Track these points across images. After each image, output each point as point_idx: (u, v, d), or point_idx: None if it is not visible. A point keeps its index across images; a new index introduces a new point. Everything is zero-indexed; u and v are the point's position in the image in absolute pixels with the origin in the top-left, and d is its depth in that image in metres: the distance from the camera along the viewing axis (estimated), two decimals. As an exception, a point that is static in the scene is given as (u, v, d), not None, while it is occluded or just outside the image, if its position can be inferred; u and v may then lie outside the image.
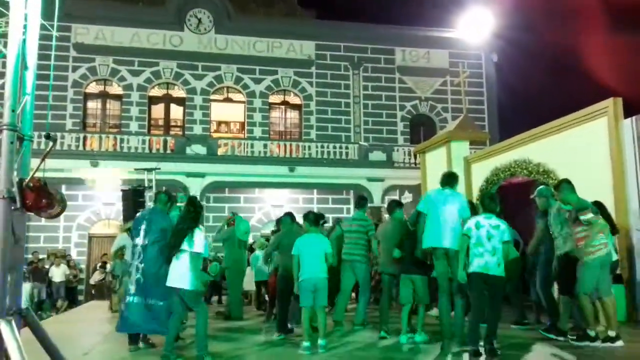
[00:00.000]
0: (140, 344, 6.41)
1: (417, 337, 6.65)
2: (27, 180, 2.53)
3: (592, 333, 6.04)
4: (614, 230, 6.89)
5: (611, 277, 6.49)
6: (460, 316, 6.25)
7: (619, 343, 5.93)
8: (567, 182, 6.65)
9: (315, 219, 6.69)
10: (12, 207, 2.49)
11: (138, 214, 6.66)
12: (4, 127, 2.56)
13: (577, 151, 9.53)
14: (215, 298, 14.30)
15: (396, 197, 21.22)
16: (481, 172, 12.33)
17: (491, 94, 25.24)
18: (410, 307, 6.78)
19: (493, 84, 25.29)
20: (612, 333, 5.98)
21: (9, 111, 2.59)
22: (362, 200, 8.80)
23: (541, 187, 7.53)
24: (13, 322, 2.38)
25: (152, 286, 5.84)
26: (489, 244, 5.58)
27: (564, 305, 6.53)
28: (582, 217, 6.06)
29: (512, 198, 10.90)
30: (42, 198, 2.53)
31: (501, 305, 5.82)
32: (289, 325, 7.52)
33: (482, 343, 5.49)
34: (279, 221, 8.28)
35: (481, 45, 24.03)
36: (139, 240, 6.05)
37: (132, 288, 5.94)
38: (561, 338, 6.38)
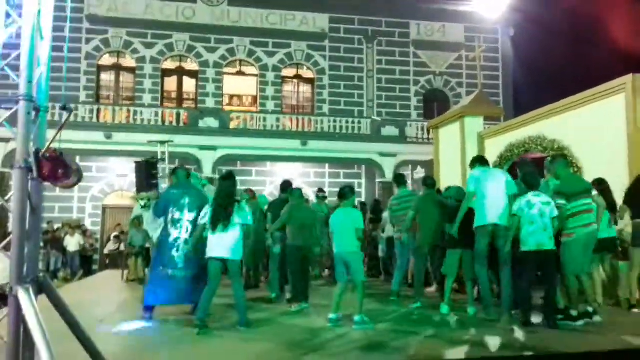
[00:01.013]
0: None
1: (443, 309, 6.84)
2: (43, 151, 2.56)
3: (574, 313, 6.10)
4: (613, 208, 6.96)
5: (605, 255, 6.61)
6: (508, 289, 6.34)
7: (597, 318, 6.06)
8: (563, 157, 6.84)
9: (345, 194, 6.63)
10: (29, 177, 2.52)
11: (173, 190, 6.70)
12: (20, 97, 2.58)
13: (594, 128, 9.40)
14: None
15: (408, 172, 21.20)
16: (495, 148, 12.22)
17: (507, 69, 24.88)
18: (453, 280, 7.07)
19: (509, 58, 24.91)
20: (590, 309, 6.11)
21: (25, 82, 2.60)
22: (402, 177, 9.10)
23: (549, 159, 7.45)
24: (31, 290, 2.42)
25: (198, 259, 6.13)
26: (541, 221, 5.86)
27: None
28: (557, 201, 6.13)
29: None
30: (59, 168, 2.56)
31: (556, 277, 6.09)
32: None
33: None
34: (283, 187, 8.28)
35: (498, 19, 23.59)
36: (186, 215, 6.33)
37: (181, 261, 6.24)
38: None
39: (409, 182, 18.65)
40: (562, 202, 6.14)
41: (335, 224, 6.44)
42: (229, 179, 6.15)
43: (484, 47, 17.54)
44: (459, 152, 13.02)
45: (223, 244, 5.77)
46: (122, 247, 15.19)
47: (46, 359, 2.27)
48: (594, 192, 6.39)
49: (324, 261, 11.96)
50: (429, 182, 8.05)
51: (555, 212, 5.91)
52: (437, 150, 14.66)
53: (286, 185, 8.72)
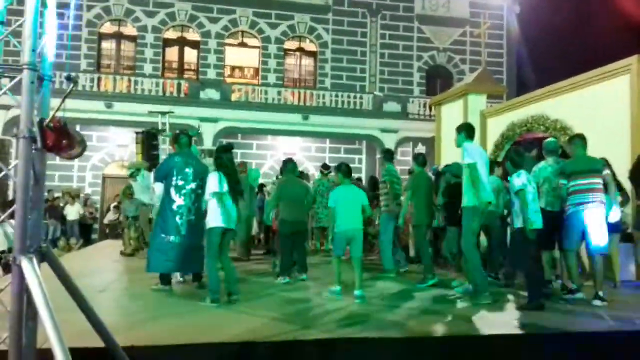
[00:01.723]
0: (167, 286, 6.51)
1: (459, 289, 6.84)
2: (47, 120, 2.54)
3: (573, 286, 6.27)
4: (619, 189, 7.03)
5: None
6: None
7: (579, 295, 6.16)
8: (580, 137, 6.72)
9: (348, 170, 6.66)
10: (33, 147, 2.50)
11: (176, 158, 6.54)
12: (24, 66, 2.54)
13: (597, 109, 9.35)
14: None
15: (409, 149, 21.19)
16: (497, 127, 12.18)
17: (511, 47, 24.66)
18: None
19: (514, 36, 24.66)
20: (574, 285, 6.26)
21: (29, 50, 2.56)
22: (391, 153, 8.99)
23: (549, 139, 7.41)
24: (34, 259, 2.43)
25: (200, 228, 6.18)
26: (532, 200, 5.91)
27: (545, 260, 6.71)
28: (561, 180, 6.25)
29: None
30: (63, 138, 2.54)
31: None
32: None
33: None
34: (284, 166, 8.29)
35: (504, -5, 23.31)
36: (189, 184, 6.32)
37: (184, 229, 6.23)
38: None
39: (410, 158, 18.64)
40: (563, 181, 6.24)
41: (339, 201, 6.41)
42: (230, 151, 6.21)
43: (489, 23, 17.31)
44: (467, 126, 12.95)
45: (231, 215, 5.83)
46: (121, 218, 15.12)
47: (50, 328, 2.28)
48: (606, 172, 6.41)
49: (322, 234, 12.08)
50: (421, 160, 8.00)
51: (515, 188, 5.84)
52: (439, 127, 14.60)
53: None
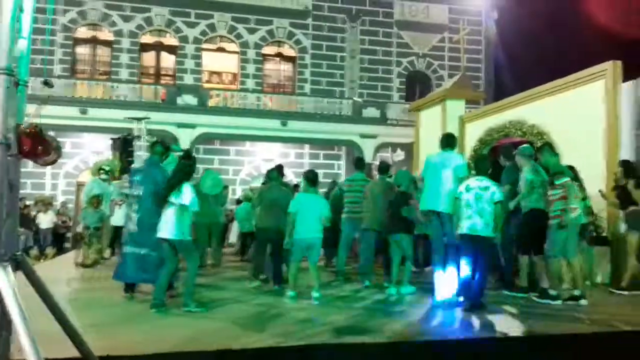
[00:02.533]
0: (132, 293, 6.44)
1: (403, 289, 6.94)
2: (23, 126, 2.47)
3: (553, 293, 6.27)
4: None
5: (578, 240, 6.68)
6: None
7: (583, 302, 6.17)
8: (548, 145, 7.01)
9: (314, 178, 6.73)
10: (8, 153, 2.43)
11: (134, 166, 6.64)
12: (0, 71, 2.47)
13: (573, 114, 9.49)
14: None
15: (388, 154, 21.26)
16: (475, 132, 12.29)
17: (489, 52, 24.97)
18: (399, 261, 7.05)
19: (492, 41, 24.98)
20: (577, 292, 6.25)
21: (5, 55, 2.49)
22: (361, 161, 9.26)
23: (524, 145, 7.55)
24: (8, 268, 2.36)
25: (147, 237, 5.96)
26: (476, 205, 5.85)
27: (523, 263, 6.76)
28: (556, 181, 6.29)
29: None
30: (39, 145, 2.47)
31: (488, 264, 6.10)
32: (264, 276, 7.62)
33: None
34: (268, 174, 8.27)
35: (482, 1, 23.59)
36: (135, 191, 6.20)
37: (132, 239, 6.16)
38: (521, 295, 6.66)
39: (390, 164, 18.71)
40: (565, 179, 6.31)
41: (298, 209, 6.46)
42: (186, 158, 6.10)
43: (468, 29, 17.48)
44: (439, 135, 13.03)
45: (164, 223, 5.68)
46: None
47: (24, 338, 2.21)
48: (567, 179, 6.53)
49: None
50: (382, 166, 8.27)
51: (498, 197, 5.88)
52: (418, 132, 14.69)
53: (279, 169, 8.62)
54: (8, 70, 2.45)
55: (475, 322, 5.34)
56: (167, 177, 6.05)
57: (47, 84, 2.56)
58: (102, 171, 9.69)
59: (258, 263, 7.63)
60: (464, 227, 5.90)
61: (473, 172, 6.53)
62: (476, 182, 5.97)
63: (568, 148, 9.34)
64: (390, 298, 6.67)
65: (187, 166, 5.91)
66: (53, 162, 2.62)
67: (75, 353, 2.87)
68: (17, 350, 2.43)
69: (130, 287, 6.42)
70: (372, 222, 7.67)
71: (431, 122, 13.68)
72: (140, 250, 6.08)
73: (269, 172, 8.21)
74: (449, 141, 6.82)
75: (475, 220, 5.82)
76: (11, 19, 2.50)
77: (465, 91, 13.55)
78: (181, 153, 7.75)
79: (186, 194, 5.67)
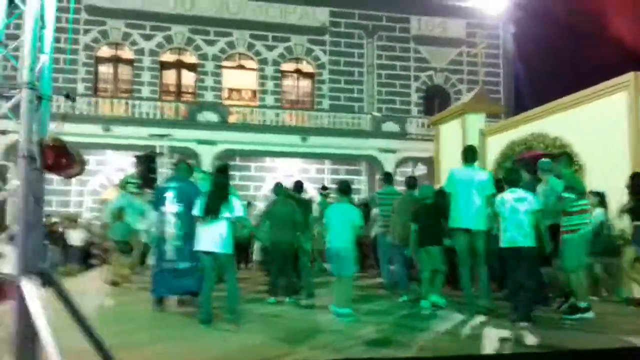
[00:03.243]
0: (163, 308, 6.52)
1: (434, 298, 6.83)
2: (47, 140, 2.50)
3: (583, 305, 6.06)
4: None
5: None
6: (485, 285, 6.51)
7: (589, 315, 5.98)
8: (567, 156, 6.75)
9: (346, 189, 6.70)
10: (32, 167, 2.46)
11: (162, 183, 6.77)
12: (23, 85, 2.52)
13: (595, 126, 9.37)
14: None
15: (409, 169, 21.20)
16: (497, 145, 12.18)
17: (508, 66, 24.83)
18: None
19: (510, 55, 24.85)
20: (583, 304, 6.06)
21: (27, 70, 2.54)
22: (390, 175, 9.42)
23: (542, 159, 7.44)
24: (35, 280, 2.38)
25: (187, 251, 6.18)
26: (513, 218, 5.81)
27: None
28: (564, 194, 6.13)
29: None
30: (62, 158, 2.50)
31: (537, 273, 6.08)
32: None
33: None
34: (274, 189, 8.31)
35: (499, 15, 23.54)
36: (171, 208, 6.38)
37: (171, 254, 6.35)
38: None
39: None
40: (571, 196, 6.10)
41: (330, 219, 6.46)
42: (222, 172, 6.14)
43: (485, 43, 17.45)
44: (460, 149, 12.94)
45: (211, 237, 5.71)
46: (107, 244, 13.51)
47: (50, 349, 2.22)
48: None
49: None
50: (410, 181, 8.32)
51: (536, 207, 5.85)
52: (438, 147, 14.61)
53: (298, 185, 8.72)
54: (30, 85, 2.50)
55: (508, 336, 5.25)
56: (198, 193, 6.21)
57: (68, 97, 2.61)
58: (130, 184, 9.72)
59: (274, 278, 7.58)
60: (503, 240, 5.89)
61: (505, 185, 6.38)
62: (510, 195, 5.95)
63: (592, 160, 9.22)
64: (423, 312, 6.62)
65: (224, 179, 6.01)
66: (76, 175, 2.65)
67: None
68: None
69: (160, 301, 6.50)
70: (403, 236, 7.63)
71: (451, 136, 13.61)
72: (181, 264, 6.30)
73: (274, 187, 8.24)
74: (474, 155, 6.78)
75: (513, 232, 5.79)
76: (33, 35, 2.55)
77: (483, 105, 13.48)
78: (202, 174, 7.89)
79: (238, 207, 5.84)
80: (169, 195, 6.46)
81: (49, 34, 2.80)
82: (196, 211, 5.84)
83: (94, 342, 2.81)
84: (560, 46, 22.29)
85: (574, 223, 6.09)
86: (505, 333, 5.36)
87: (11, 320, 2.40)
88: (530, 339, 5.05)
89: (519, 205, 5.82)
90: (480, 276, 6.51)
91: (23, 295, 2.35)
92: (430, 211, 6.98)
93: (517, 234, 5.76)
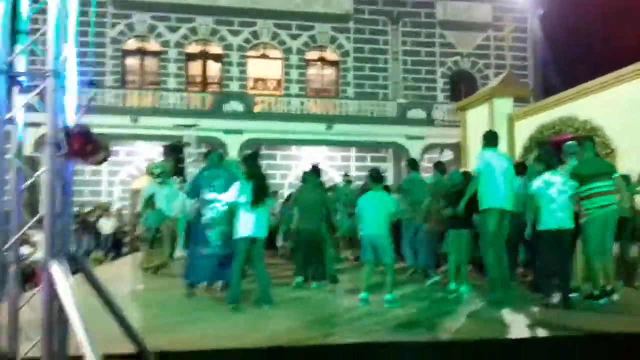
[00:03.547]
0: (195, 292, 6.62)
1: (462, 288, 6.82)
2: (72, 127, 2.55)
3: (595, 292, 6.02)
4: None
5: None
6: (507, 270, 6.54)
7: (615, 297, 5.96)
8: (590, 139, 6.72)
9: (377, 176, 6.66)
10: (59, 153, 2.51)
11: (204, 171, 6.80)
12: (48, 73, 2.56)
13: (626, 108, 9.16)
14: None
15: (435, 155, 21.01)
16: (525, 130, 12.04)
17: (535, 50, 24.32)
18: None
19: (538, 38, 24.33)
20: (608, 287, 6.02)
21: (53, 58, 2.58)
22: (415, 162, 9.44)
23: (568, 142, 7.32)
24: (64, 263, 2.43)
25: (228, 238, 6.26)
26: (559, 199, 5.82)
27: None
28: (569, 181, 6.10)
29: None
30: (87, 144, 2.54)
31: (572, 256, 6.16)
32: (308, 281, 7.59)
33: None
34: (302, 176, 8.33)
35: (526, -2, 23.05)
36: (212, 195, 6.43)
37: (215, 241, 6.41)
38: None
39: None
40: (573, 182, 6.08)
41: (364, 207, 6.41)
42: (256, 157, 6.34)
43: (513, 27, 17.10)
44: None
45: (258, 222, 5.87)
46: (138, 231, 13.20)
47: (79, 333, 2.27)
48: (617, 174, 6.29)
49: (347, 242, 11.93)
50: (440, 167, 8.34)
51: (572, 191, 5.89)
52: (465, 132, 14.48)
53: (315, 170, 8.76)
54: (56, 73, 2.53)
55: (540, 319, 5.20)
56: (234, 180, 6.31)
57: (92, 83, 2.64)
58: (153, 173, 9.75)
59: (297, 263, 7.70)
60: (549, 222, 5.81)
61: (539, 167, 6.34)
62: (554, 177, 5.90)
63: (623, 142, 9.02)
64: (450, 296, 6.62)
65: (260, 165, 6.26)
66: (101, 162, 2.69)
67: (129, 348, 2.93)
68: (74, 347, 2.50)
69: (193, 287, 6.60)
70: (436, 220, 7.72)
71: (478, 121, 13.46)
72: (224, 250, 6.36)
73: (303, 174, 8.30)
74: (497, 140, 6.72)
75: (560, 214, 5.78)
76: (56, 24, 2.59)
77: (512, 88, 13.31)
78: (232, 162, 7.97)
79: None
80: (208, 182, 6.53)
81: (72, 23, 2.84)
82: (239, 198, 5.90)
83: (123, 326, 2.87)
84: (589, 28, 21.72)
85: (585, 208, 6.06)
86: (537, 316, 5.33)
87: (41, 304, 2.45)
88: (564, 322, 5.01)
89: (566, 187, 5.83)
90: (502, 260, 6.44)
91: (52, 279, 2.40)
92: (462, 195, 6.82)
93: (565, 215, 5.76)
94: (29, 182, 2.68)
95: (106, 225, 17.56)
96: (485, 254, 6.44)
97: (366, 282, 6.27)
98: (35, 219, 2.68)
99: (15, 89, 2.67)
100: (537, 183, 6.00)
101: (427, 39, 23.92)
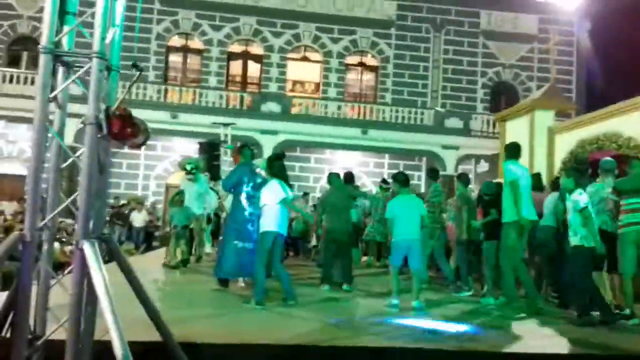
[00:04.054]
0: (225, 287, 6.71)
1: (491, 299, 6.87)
2: (113, 108, 2.57)
3: (628, 312, 5.96)
4: None
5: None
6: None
7: (635, 320, 5.82)
8: (637, 159, 6.69)
9: (404, 179, 6.67)
10: (99, 135, 2.53)
11: (246, 167, 6.84)
12: (94, 55, 2.59)
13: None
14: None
15: (470, 167, 20.71)
16: (566, 144, 11.71)
17: (581, 63, 23.75)
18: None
19: (584, 51, 23.75)
20: (627, 311, 5.96)
21: (98, 39, 2.61)
22: (436, 172, 9.59)
23: (605, 158, 7.18)
24: (96, 245, 2.44)
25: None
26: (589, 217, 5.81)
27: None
28: (610, 196, 6.26)
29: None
30: (127, 127, 2.56)
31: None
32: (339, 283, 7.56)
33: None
34: (328, 178, 8.34)
35: (574, 9, 22.54)
36: (248, 191, 6.54)
37: (256, 235, 6.37)
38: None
39: (472, 176, 18.26)
40: (613, 198, 6.22)
41: (397, 211, 6.35)
42: (281, 158, 6.55)
43: (558, 39, 16.70)
44: (527, 147, 12.51)
45: (284, 220, 5.97)
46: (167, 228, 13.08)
47: (108, 314, 2.28)
48: None
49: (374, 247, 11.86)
50: (463, 179, 8.31)
51: (581, 205, 5.79)
52: (503, 143, 14.15)
53: (348, 176, 8.89)
54: (101, 54, 2.56)
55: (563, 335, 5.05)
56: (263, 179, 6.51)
57: (136, 66, 2.65)
58: (185, 170, 9.78)
59: (327, 266, 7.67)
60: (591, 240, 5.74)
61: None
62: (584, 196, 5.88)
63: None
64: (483, 308, 6.59)
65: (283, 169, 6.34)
66: (141, 145, 2.71)
67: (155, 337, 2.93)
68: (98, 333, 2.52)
69: (225, 282, 6.67)
70: (461, 232, 7.78)
71: (518, 133, 13.16)
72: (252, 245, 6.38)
73: (329, 176, 8.34)
74: (520, 152, 6.82)
75: (587, 232, 5.75)
76: (104, 8, 2.62)
77: (554, 101, 12.99)
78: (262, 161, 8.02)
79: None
80: (250, 177, 6.62)
81: (119, 8, 2.87)
82: (282, 194, 5.96)
83: (150, 314, 2.87)
84: (638, 42, 21.08)
85: (625, 222, 6.02)
86: (573, 334, 5.19)
87: (71, 283, 2.47)
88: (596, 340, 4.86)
89: (591, 207, 5.84)
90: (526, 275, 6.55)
91: (84, 258, 2.42)
92: (497, 206, 6.84)
93: (590, 234, 5.73)
94: (68, 161, 2.71)
95: (138, 219, 17.82)
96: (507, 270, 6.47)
97: (397, 287, 6.22)
98: (71, 198, 2.71)
99: (61, 69, 2.71)
100: (582, 199, 5.88)
101: (469, 48, 23.62)
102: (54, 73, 2.62)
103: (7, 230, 13.11)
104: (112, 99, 2.72)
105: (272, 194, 5.94)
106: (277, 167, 6.31)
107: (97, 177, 2.58)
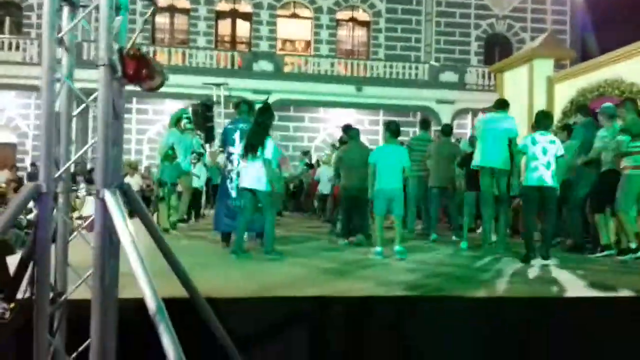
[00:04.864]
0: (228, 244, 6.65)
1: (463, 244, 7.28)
2: (127, 48, 2.39)
3: (633, 245, 6.19)
4: None
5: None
6: (503, 226, 6.99)
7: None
8: (630, 100, 6.85)
9: (396, 129, 6.67)
10: (113, 76, 2.36)
11: (229, 125, 6.86)
12: (102, -8, 2.39)
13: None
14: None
15: (467, 121, 20.59)
16: (566, 93, 11.58)
17: (575, 11, 23.41)
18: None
19: (578, 1, 23.39)
20: (633, 245, 6.19)
21: (106, -24, 2.41)
22: (426, 122, 10.00)
23: (606, 104, 7.31)
24: (117, 194, 2.31)
25: None
26: (544, 158, 5.96)
27: (601, 222, 6.60)
28: (618, 137, 6.27)
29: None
30: (143, 68, 2.39)
31: (555, 216, 6.34)
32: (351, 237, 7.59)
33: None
34: (347, 133, 8.16)
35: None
36: (237, 148, 6.39)
37: (234, 193, 6.48)
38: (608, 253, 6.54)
39: (468, 130, 18.16)
40: (622, 138, 6.22)
41: (380, 160, 6.41)
42: (266, 111, 6.13)
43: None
44: (526, 98, 12.39)
45: (250, 175, 5.87)
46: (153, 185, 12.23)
47: (134, 262, 2.16)
48: None
49: None
50: (445, 129, 8.95)
51: (561, 152, 6.05)
52: (501, 95, 14.01)
53: (346, 128, 8.77)
54: (110, -10, 2.37)
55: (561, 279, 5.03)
56: None
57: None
58: (185, 120, 9.23)
59: (344, 222, 7.65)
60: (530, 178, 6.01)
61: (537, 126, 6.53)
62: (542, 137, 6.06)
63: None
64: (463, 253, 6.87)
65: (266, 119, 6.03)
66: (157, 88, 2.53)
67: (180, 292, 2.82)
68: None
69: (227, 238, 6.64)
70: (436, 180, 8.28)
71: (516, 84, 13.01)
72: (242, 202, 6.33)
73: (348, 131, 8.16)
74: (503, 104, 7.19)
75: (542, 171, 5.92)
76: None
77: (554, 50, 12.79)
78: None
79: (269, 149, 5.86)
80: (237, 135, 6.48)
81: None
82: (238, 149, 6.04)
83: (175, 269, 2.76)
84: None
85: (634, 164, 6.10)
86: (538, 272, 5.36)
87: (94, 235, 2.35)
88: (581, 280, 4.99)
89: (550, 147, 5.97)
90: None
91: (106, 208, 2.28)
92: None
93: (547, 174, 5.91)
94: (80, 107, 2.55)
95: (132, 183, 17.63)
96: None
97: (381, 236, 6.31)
98: (87, 146, 2.56)
99: (66, 9, 2.53)
100: (524, 141, 6.23)
101: (462, 0, 23.18)
102: (59, 12, 2.44)
103: (1, 197, 12.97)
104: (124, 39, 2.53)
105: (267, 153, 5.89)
106: (254, 120, 6.19)
107: (112, 126, 2.43)
